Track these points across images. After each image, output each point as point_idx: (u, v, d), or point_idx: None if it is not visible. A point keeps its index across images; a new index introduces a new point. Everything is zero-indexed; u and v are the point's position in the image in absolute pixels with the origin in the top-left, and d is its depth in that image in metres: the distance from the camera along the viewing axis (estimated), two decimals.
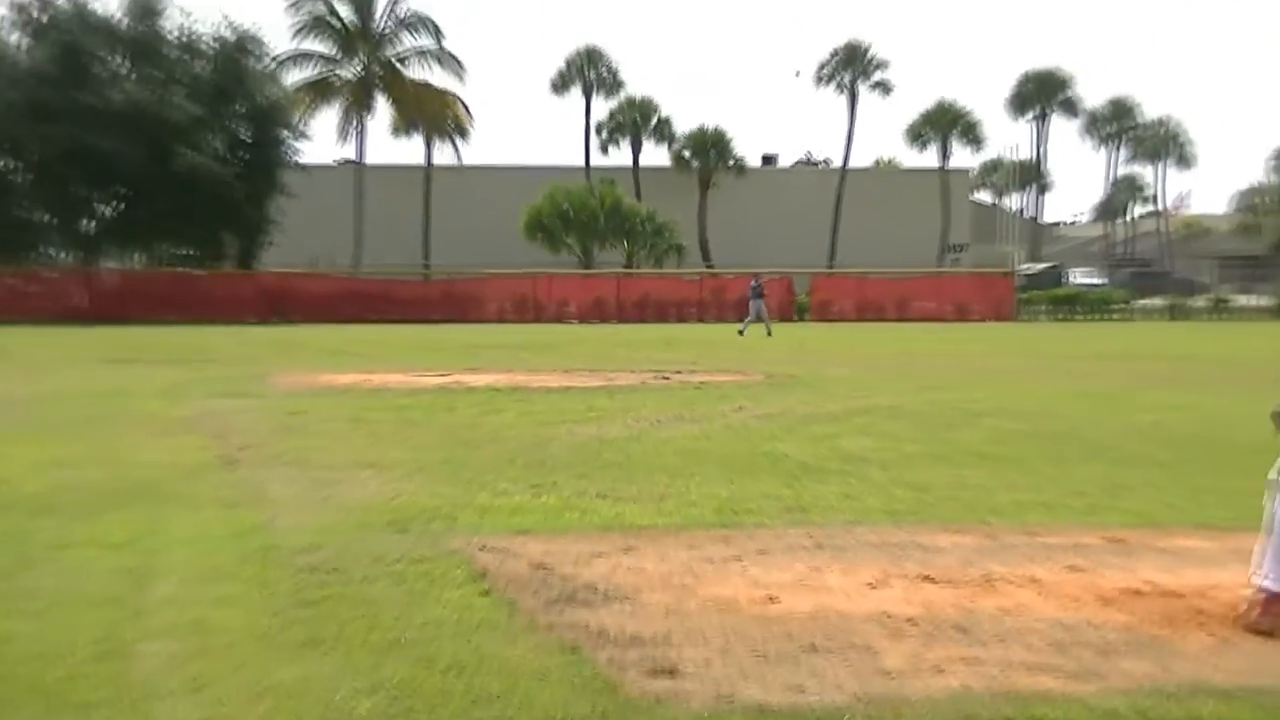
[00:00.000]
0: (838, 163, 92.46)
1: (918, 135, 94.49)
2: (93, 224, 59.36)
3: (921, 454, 13.58)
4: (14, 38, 57.66)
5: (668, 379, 23.79)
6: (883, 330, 49.16)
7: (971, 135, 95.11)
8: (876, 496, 10.95)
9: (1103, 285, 79.88)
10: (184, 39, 60.05)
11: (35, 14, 57.69)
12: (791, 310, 61.68)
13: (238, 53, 60.93)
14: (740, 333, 45.88)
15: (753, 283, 51.74)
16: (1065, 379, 24.38)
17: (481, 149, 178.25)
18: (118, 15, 58.92)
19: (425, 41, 76.71)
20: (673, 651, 6.31)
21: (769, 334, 45.51)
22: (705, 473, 12.19)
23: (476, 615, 7.01)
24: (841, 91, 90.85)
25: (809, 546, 8.85)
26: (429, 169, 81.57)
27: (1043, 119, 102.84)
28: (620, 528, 9.53)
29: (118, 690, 5.76)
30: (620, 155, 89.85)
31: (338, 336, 41.45)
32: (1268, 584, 6.88)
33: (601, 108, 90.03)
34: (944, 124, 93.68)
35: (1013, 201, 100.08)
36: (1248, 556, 8.11)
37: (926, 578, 7.94)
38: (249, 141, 60.27)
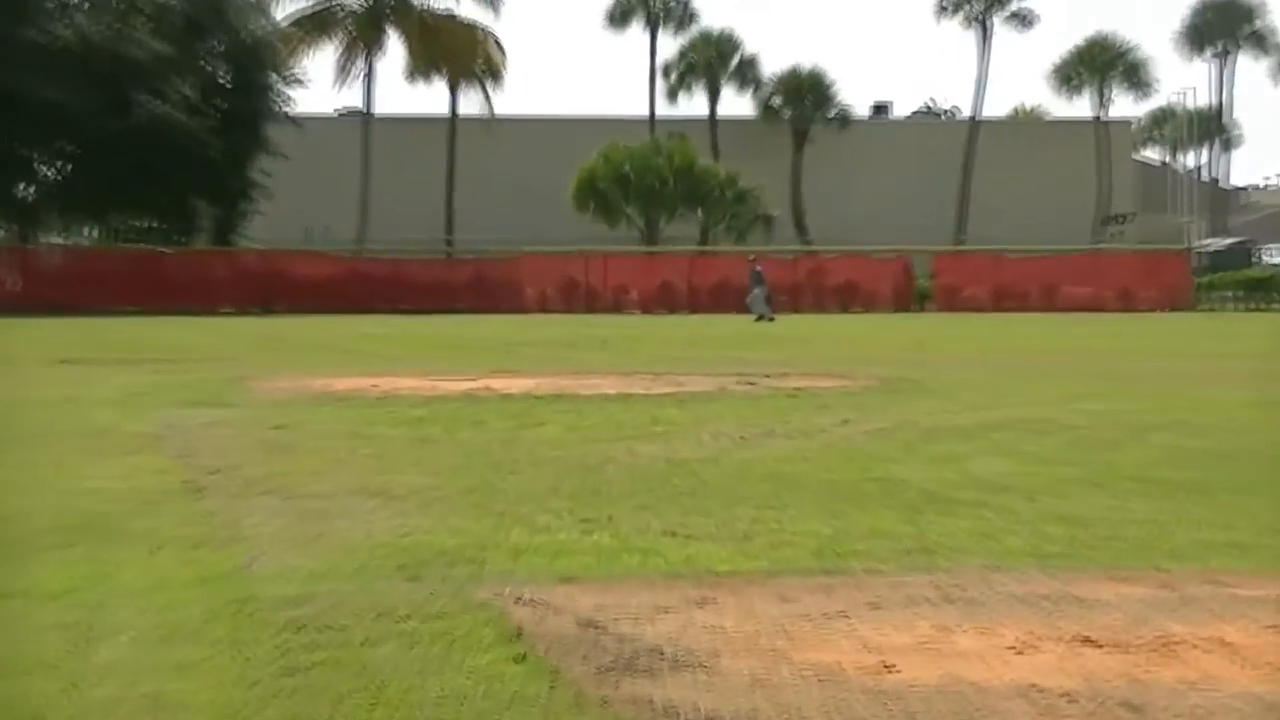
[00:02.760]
0: (967, 112, 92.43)
1: (1068, 78, 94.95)
2: (31, 189, 59.75)
3: (1076, 479, 13.45)
4: None
5: (753, 384, 23.95)
6: (1025, 323, 49.25)
7: (1135, 78, 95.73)
8: (1020, 534, 10.78)
9: None
10: None
11: None
12: (910, 298, 63.08)
13: None
14: (770, 319, 52.34)
15: (750, 264, 58.16)
16: (1259, 384, 24.06)
17: (520, 96, 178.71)
18: None
19: None
20: None
21: (764, 317, 51.94)
22: (801, 503, 12.10)
23: (509, 687, 6.89)
24: (971, 24, 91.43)
25: (934, 599, 8.73)
26: (454, 121, 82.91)
27: (1225, 57, 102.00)
28: (693, 574, 9.40)
29: None
30: (693, 104, 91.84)
31: (336, 331, 41.87)
32: None
33: (670, 45, 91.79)
34: (1101, 64, 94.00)
35: (1189, 160, 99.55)
36: None
37: (1086, 640, 7.78)
38: (228, 87, 60.83)
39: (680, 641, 7.70)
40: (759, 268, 57.56)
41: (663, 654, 7.47)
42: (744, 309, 56.62)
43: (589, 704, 6.63)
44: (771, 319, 51.03)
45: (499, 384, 23.79)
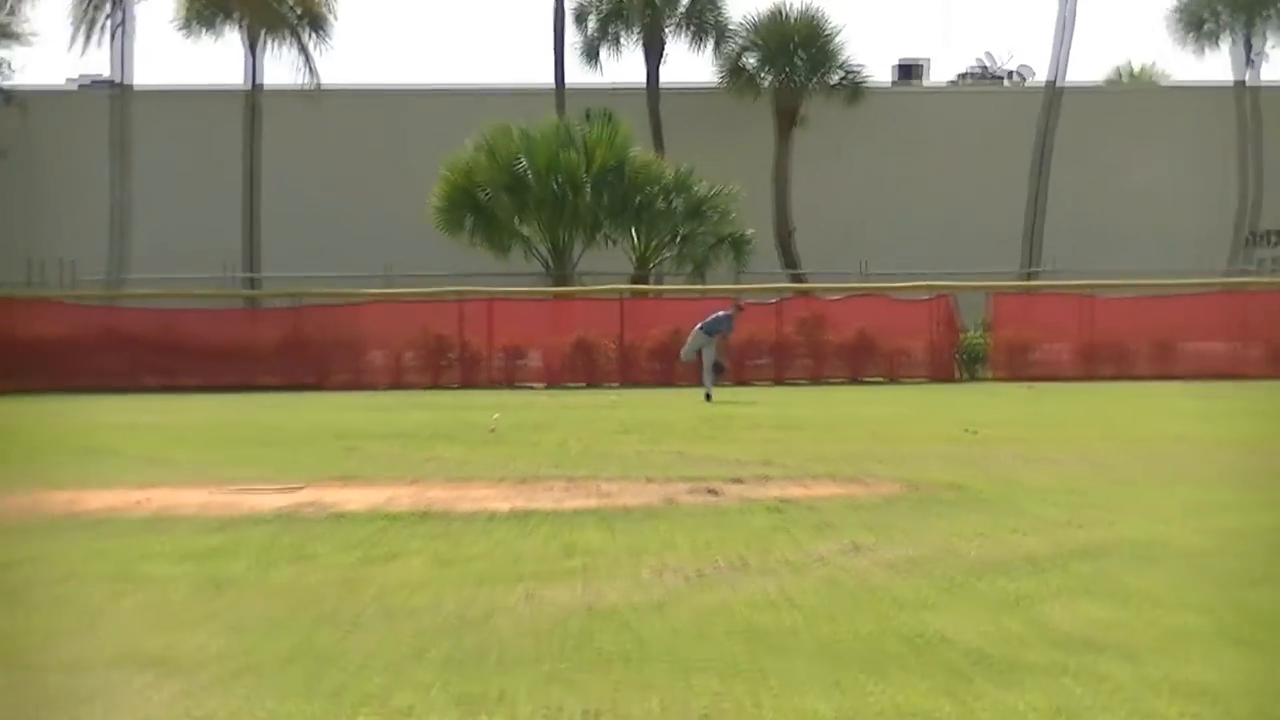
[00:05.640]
0: (1042, 75, 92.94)
1: (1198, 21, 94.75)
2: None
3: (1205, 631, 13.53)
4: None
5: (716, 493, 24.15)
6: (1129, 396, 49.70)
7: None
8: (1120, 713, 10.90)
9: None
10: None
11: None
12: (953, 359, 64.12)
13: None
14: (708, 397, 51.45)
15: (729, 309, 55.47)
16: None
17: (357, 55, 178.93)
18: None
19: None
20: None
21: (708, 397, 50.98)
22: (789, 671, 12.19)
23: None
24: None
25: None
26: (254, 93, 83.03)
27: None
28: None
29: None
30: (623, 66, 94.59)
31: (83, 420, 41.47)
32: None
33: None
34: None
35: None
36: None
37: None
38: None
39: None
40: (738, 307, 56.30)
41: None
42: (699, 379, 55.26)
43: None
44: (709, 396, 51.35)
45: (332, 497, 23.80)
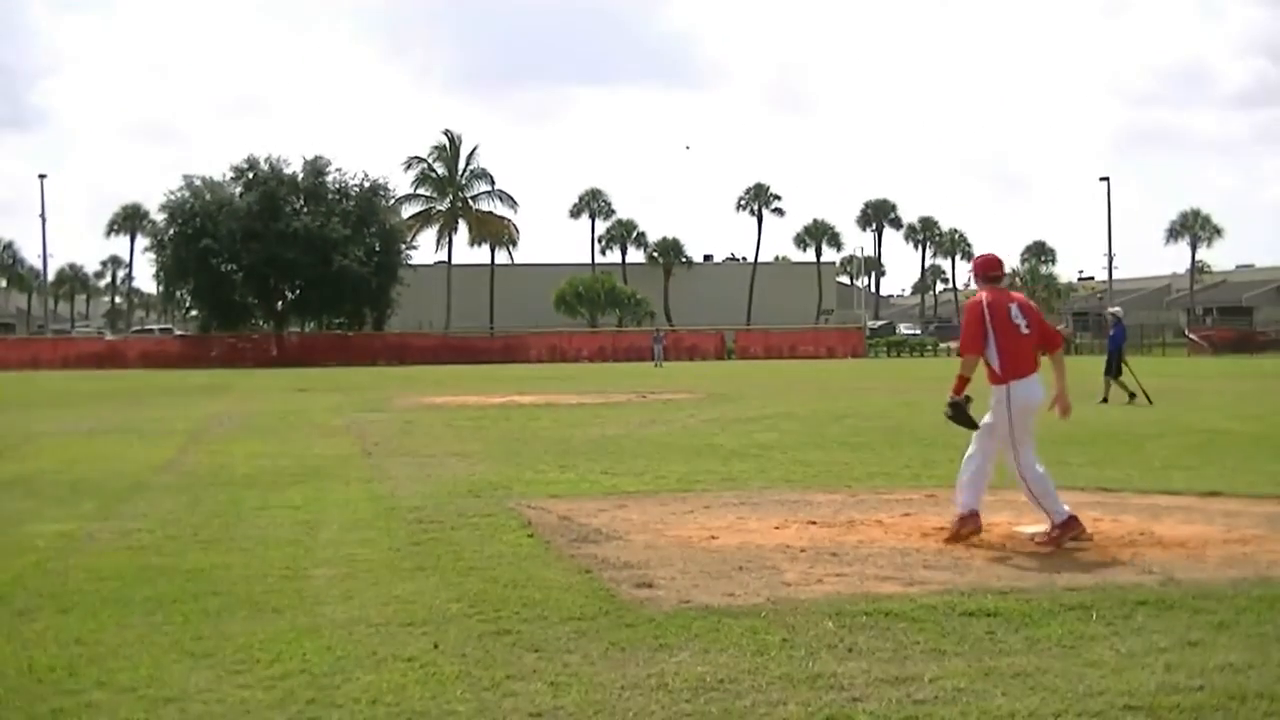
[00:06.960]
0: (751, 259, 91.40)
1: (801, 241, 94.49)
2: (281, 304, 59.58)
3: (807, 443, 13.29)
4: (235, 189, 58.40)
5: (645, 397, 23.30)
6: (781, 365, 48.21)
7: (835, 241, 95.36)
8: (779, 470, 10.72)
9: (919, 334, 78.32)
10: (339, 186, 60.09)
11: (248, 173, 58.69)
12: (723, 353, 60.89)
13: (372, 195, 60.79)
14: (658, 366, 46.41)
15: (655, 334, 53.80)
16: (896, 394, 23.53)
17: (526, 252, 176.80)
18: (299, 173, 59.45)
19: (489, 186, 76.56)
20: (650, 572, 6.20)
21: (658, 367, 45.51)
22: (670, 457, 11.96)
23: (524, 550, 6.91)
24: (753, 214, 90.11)
25: (736, 503, 8.68)
26: (492, 266, 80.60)
27: (879, 230, 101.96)
28: (617, 493, 9.34)
29: (298, 599, 5.68)
30: (613, 256, 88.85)
31: (436, 373, 40.62)
32: (958, 509, 7.06)
33: (601, 226, 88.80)
34: (818, 234, 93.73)
35: (861, 282, 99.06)
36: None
37: (811, 522, 7.80)
38: (379, 251, 59.86)
39: (610, 526, 7.68)
40: (660, 333, 55.04)
41: (601, 532, 7.45)
42: (644, 358, 52.30)
43: (565, 558, 6.62)
44: (659, 367, 45.77)
45: (518, 399, 23.05)
